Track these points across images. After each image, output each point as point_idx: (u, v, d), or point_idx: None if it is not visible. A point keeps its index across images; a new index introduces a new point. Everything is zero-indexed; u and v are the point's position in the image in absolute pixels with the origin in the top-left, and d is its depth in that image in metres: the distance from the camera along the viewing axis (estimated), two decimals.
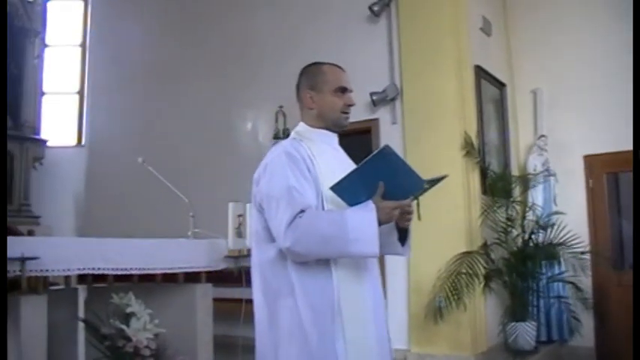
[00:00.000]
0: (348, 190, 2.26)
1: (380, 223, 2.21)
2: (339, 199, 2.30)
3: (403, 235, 2.51)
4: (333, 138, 2.56)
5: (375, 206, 2.20)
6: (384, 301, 2.51)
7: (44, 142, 8.64)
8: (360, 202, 2.24)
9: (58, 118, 9.37)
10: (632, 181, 7.11)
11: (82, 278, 3.56)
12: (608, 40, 6.94)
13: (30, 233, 6.39)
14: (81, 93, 9.44)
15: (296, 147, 2.41)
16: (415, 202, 2.37)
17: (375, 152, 2.19)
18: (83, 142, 9.27)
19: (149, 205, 7.62)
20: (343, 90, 2.49)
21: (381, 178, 2.20)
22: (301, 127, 2.55)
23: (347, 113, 2.51)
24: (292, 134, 2.55)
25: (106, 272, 3.34)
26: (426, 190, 2.29)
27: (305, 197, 2.27)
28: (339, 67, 2.56)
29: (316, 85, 2.50)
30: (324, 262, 2.30)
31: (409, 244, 2.55)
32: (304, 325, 2.27)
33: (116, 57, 9.01)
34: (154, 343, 3.40)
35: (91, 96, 9.33)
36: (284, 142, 2.49)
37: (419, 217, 2.45)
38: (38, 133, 8.68)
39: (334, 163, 2.38)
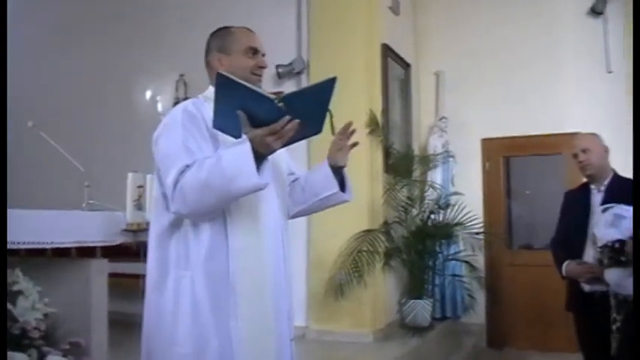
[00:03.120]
0: (229, 127, 2.10)
1: (259, 154, 2.04)
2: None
3: (341, 181, 2.47)
4: None
5: (246, 137, 2.04)
6: (288, 273, 2.39)
7: None
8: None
9: None
10: (523, 165, 7.48)
11: None
12: (511, 27, 7.14)
13: None
14: None
15: (197, 105, 2.27)
16: (329, 117, 2.28)
17: None
18: None
19: (40, 173, 7.19)
20: (254, 51, 2.37)
21: (239, 107, 2.02)
22: (209, 90, 2.37)
23: (258, 75, 2.37)
24: (199, 96, 2.40)
25: None
26: (309, 108, 2.12)
27: (196, 154, 2.12)
28: (250, 30, 2.43)
29: (225, 47, 2.37)
30: (219, 233, 2.17)
31: (350, 187, 2.51)
32: (198, 300, 2.14)
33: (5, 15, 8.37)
34: (43, 324, 3.16)
35: None
36: (186, 101, 2.33)
37: (332, 132, 2.35)
38: None
39: None
